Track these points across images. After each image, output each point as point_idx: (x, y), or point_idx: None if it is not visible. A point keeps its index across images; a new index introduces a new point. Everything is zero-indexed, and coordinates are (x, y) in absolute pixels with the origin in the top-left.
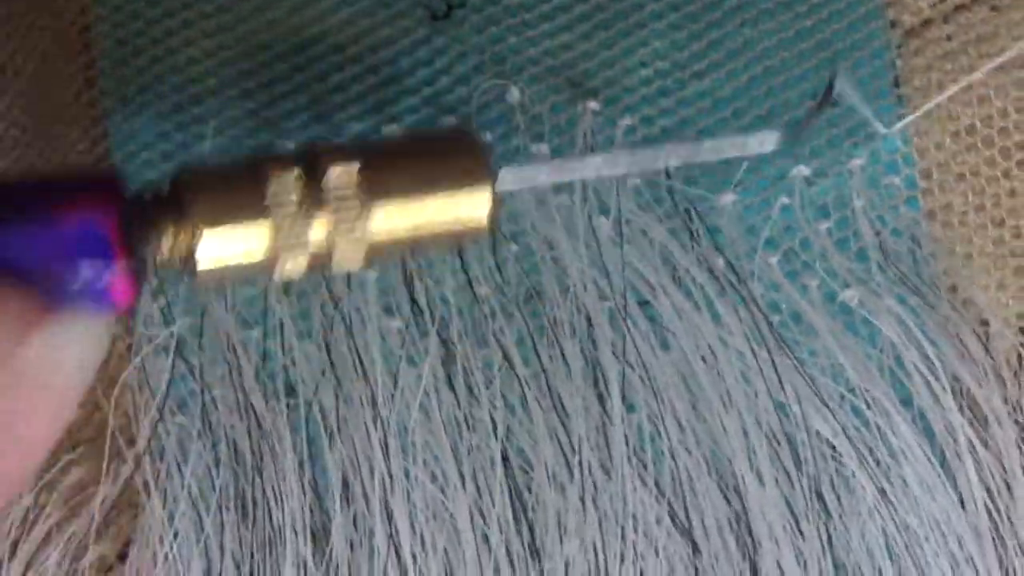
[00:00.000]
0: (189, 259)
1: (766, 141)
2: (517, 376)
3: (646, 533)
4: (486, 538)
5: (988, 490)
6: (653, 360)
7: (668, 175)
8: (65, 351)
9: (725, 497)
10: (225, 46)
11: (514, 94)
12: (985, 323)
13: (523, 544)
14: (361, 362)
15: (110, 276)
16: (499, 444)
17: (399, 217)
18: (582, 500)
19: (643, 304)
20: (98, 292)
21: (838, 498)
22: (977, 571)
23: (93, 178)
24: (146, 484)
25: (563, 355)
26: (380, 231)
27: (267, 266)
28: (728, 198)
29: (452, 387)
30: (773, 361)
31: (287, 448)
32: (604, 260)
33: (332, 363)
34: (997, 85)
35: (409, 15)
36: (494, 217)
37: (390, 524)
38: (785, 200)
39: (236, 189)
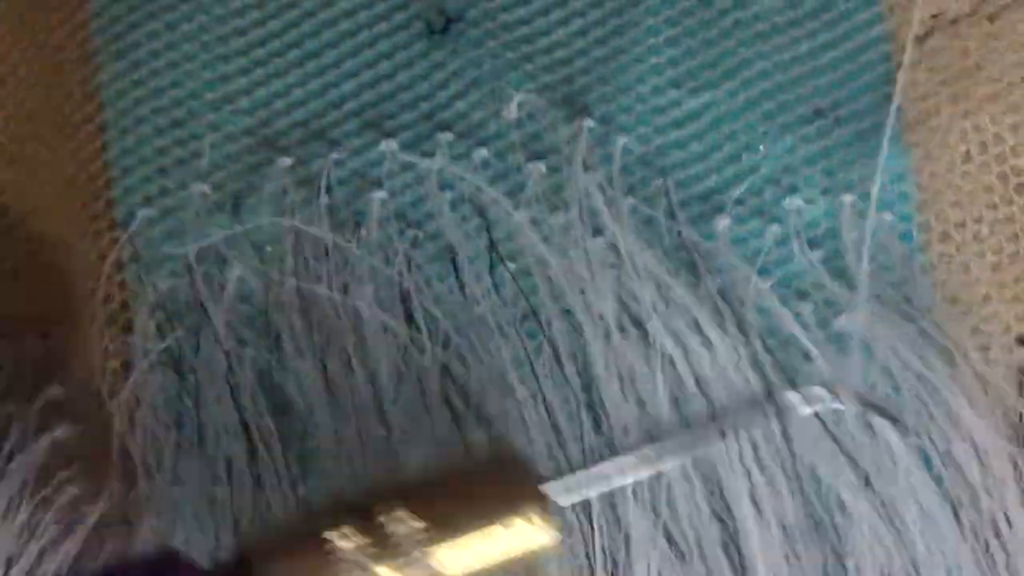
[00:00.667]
0: None
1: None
2: (514, 394)
3: (642, 553)
4: None
5: (984, 512)
6: (647, 383)
7: (667, 196)
8: None
9: (720, 519)
10: (223, 60)
11: (511, 110)
12: (984, 348)
13: None
14: (359, 378)
15: None
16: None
17: (462, 556)
18: (577, 518)
19: (637, 325)
20: None
21: (834, 525)
22: None
23: (164, 559)
24: (140, 501)
25: (562, 374)
26: (450, 567)
27: None
28: (723, 223)
29: (450, 405)
30: (767, 384)
31: (282, 466)
32: (598, 282)
33: (329, 381)
34: (993, 112)
35: (407, 29)
36: (553, 534)
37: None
38: (777, 229)
39: (301, 560)
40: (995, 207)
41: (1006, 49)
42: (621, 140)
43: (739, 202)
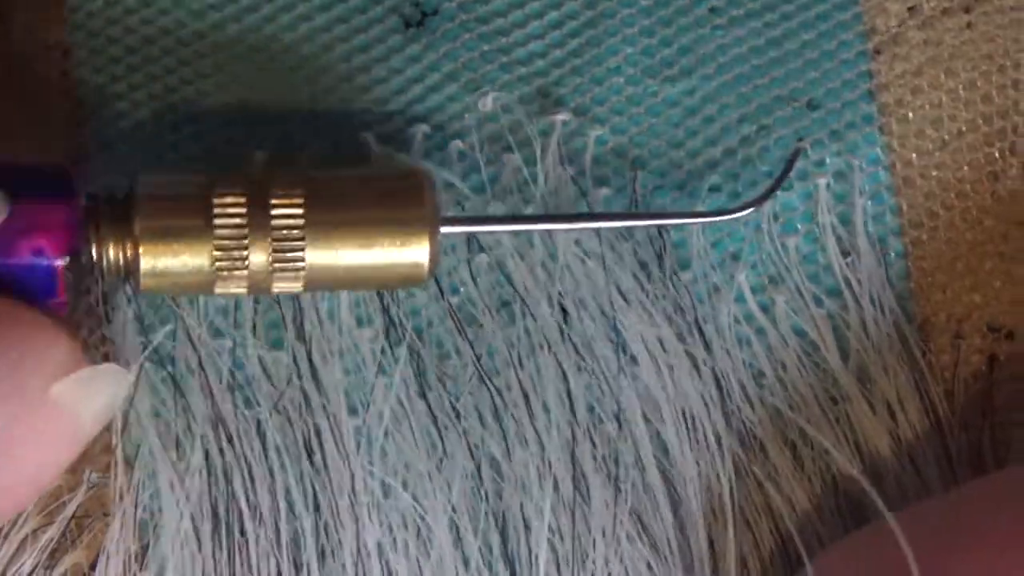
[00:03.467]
0: (133, 269)
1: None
2: (489, 387)
3: (616, 543)
4: (459, 547)
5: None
6: (619, 374)
7: (635, 190)
8: (91, 398)
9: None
10: (200, 55)
11: (487, 103)
12: (961, 335)
13: (496, 553)
14: (332, 373)
15: (53, 266)
16: (471, 454)
17: (338, 255)
18: (554, 510)
19: (609, 318)
20: (39, 279)
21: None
22: None
23: (50, 172)
24: (119, 492)
25: (535, 366)
26: (318, 266)
27: (207, 284)
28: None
29: (424, 397)
30: (739, 379)
31: (259, 458)
32: (570, 274)
33: (301, 374)
34: (967, 99)
35: (382, 23)
36: (433, 265)
37: (360, 534)
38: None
39: (184, 208)
40: (967, 196)
41: (980, 39)
42: (595, 131)
43: (713, 189)
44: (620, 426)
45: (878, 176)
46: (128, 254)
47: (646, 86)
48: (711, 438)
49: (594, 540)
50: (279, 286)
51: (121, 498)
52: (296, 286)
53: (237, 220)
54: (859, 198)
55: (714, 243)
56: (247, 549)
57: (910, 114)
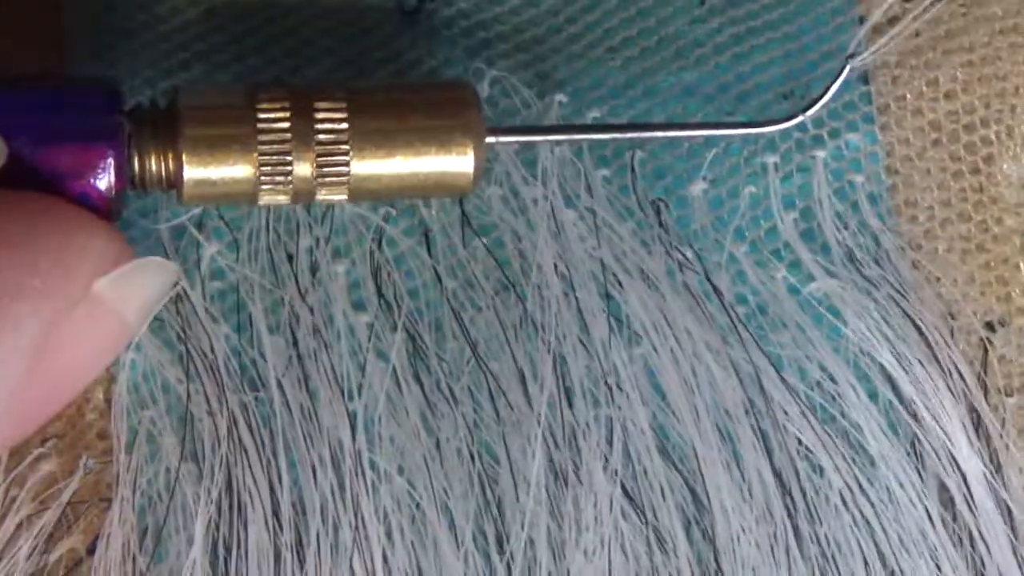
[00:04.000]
0: (177, 180)
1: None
2: (485, 370)
3: (612, 527)
4: (453, 530)
5: (948, 480)
6: (621, 354)
7: (634, 169)
8: (136, 294)
9: (691, 491)
10: (198, 38)
11: (484, 87)
12: (954, 316)
13: (490, 536)
14: (329, 355)
15: (103, 173)
16: (467, 437)
17: (383, 165)
18: (548, 493)
19: (609, 298)
20: (90, 184)
21: (804, 493)
22: (939, 563)
23: (95, 85)
24: (117, 477)
25: (533, 349)
26: (363, 175)
27: (252, 195)
28: (698, 187)
29: (420, 380)
30: (747, 354)
31: (256, 441)
32: (571, 253)
33: (299, 356)
34: (964, 81)
35: (381, 8)
36: (479, 175)
37: (357, 515)
38: (752, 189)
39: (227, 119)
40: (961, 191)
41: (974, 27)
42: (592, 114)
43: (714, 164)
44: (619, 408)
45: (866, 165)
46: (171, 166)
47: (643, 68)
48: (713, 419)
49: (588, 523)
50: (324, 195)
51: (120, 483)
52: (341, 196)
53: (281, 128)
54: (847, 185)
55: (716, 218)
56: (246, 534)
57: (904, 107)
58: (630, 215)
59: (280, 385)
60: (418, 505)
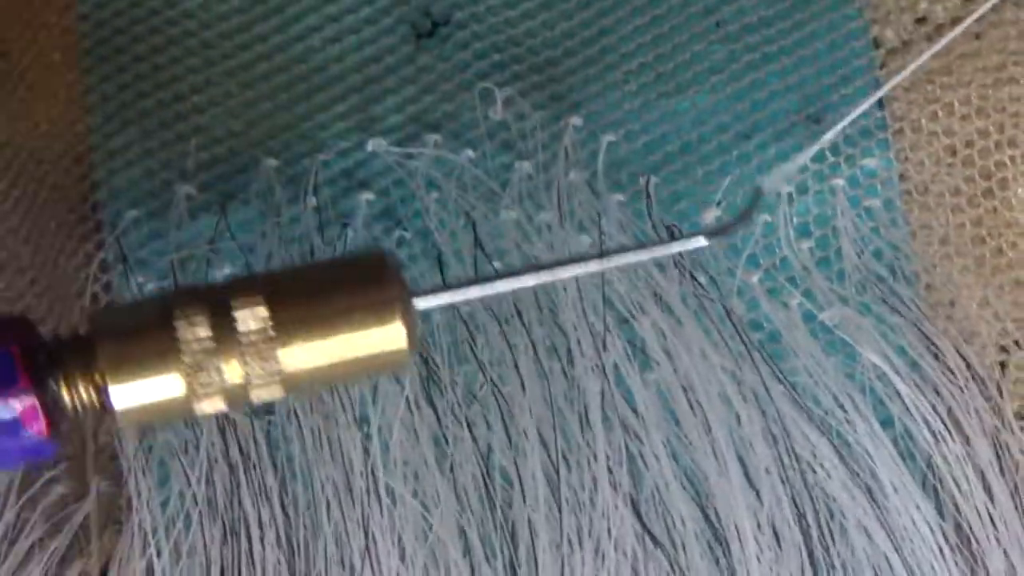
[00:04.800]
0: (104, 407)
1: (692, 242)
2: (498, 394)
3: (624, 551)
4: (467, 553)
5: (967, 505)
6: (635, 379)
7: (649, 195)
8: None
9: (704, 514)
10: (209, 63)
11: (498, 111)
12: (968, 341)
13: (504, 559)
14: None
15: (21, 412)
16: (480, 461)
17: (313, 353)
18: (561, 517)
19: (624, 323)
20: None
21: (817, 516)
22: None
23: (6, 319)
24: (128, 501)
25: (545, 373)
26: (294, 368)
27: (186, 408)
28: (711, 215)
29: (432, 404)
30: (762, 381)
31: (267, 465)
32: (585, 278)
33: None
34: (980, 106)
35: (394, 33)
36: (415, 342)
37: (367, 539)
38: (767, 218)
39: (145, 337)
40: (976, 216)
41: (988, 52)
42: (607, 138)
43: (729, 192)
44: (630, 431)
45: (883, 191)
46: (95, 397)
47: (658, 93)
48: (728, 444)
49: (602, 548)
50: (258, 394)
51: (132, 506)
52: (276, 392)
53: (202, 337)
54: (863, 211)
55: (729, 246)
56: (255, 557)
57: (915, 130)
58: (645, 239)
59: (293, 409)
60: (431, 528)
